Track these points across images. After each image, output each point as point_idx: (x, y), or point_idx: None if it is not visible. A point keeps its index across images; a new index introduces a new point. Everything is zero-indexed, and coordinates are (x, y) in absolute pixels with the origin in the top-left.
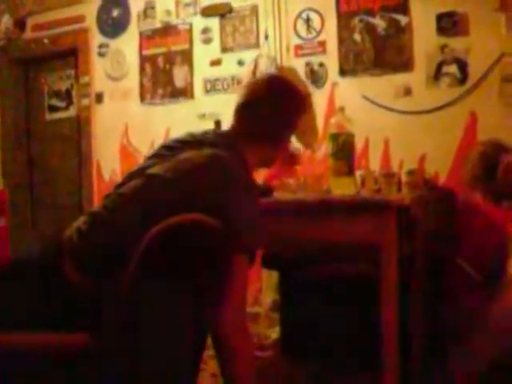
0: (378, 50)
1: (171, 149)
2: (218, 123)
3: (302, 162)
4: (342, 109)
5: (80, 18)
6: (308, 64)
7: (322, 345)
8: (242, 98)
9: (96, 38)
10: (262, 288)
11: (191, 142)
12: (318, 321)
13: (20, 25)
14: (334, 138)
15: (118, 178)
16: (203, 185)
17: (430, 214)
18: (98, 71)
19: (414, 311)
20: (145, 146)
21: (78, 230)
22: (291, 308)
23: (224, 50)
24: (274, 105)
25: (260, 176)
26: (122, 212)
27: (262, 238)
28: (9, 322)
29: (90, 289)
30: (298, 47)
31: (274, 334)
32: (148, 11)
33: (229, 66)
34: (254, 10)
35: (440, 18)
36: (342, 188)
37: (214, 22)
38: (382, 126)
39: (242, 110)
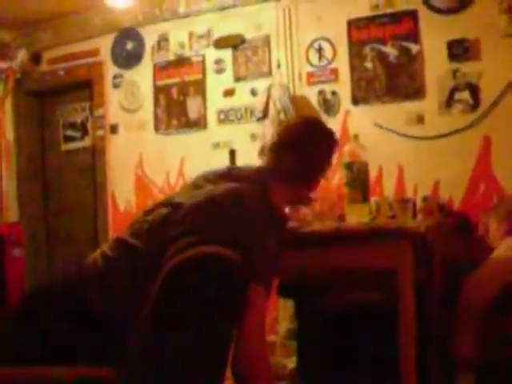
0: (390, 78)
1: (207, 180)
2: (232, 152)
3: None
4: (355, 137)
5: (95, 52)
6: (321, 92)
7: (339, 375)
8: (279, 138)
9: (110, 70)
10: (278, 317)
11: (225, 175)
12: (335, 349)
13: (35, 58)
14: (349, 166)
15: (134, 209)
16: (221, 217)
17: (446, 241)
18: (113, 103)
19: (431, 337)
20: (160, 176)
21: (102, 255)
22: (307, 337)
23: (237, 79)
24: (309, 147)
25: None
26: (144, 239)
27: (278, 269)
28: (31, 354)
29: (114, 317)
30: (310, 75)
31: (291, 363)
32: (162, 44)
33: (242, 96)
34: (267, 40)
35: (451, 44)
36: (357, 215)
37: (226, 54)
38: (395, 153)
39: (279, 150)
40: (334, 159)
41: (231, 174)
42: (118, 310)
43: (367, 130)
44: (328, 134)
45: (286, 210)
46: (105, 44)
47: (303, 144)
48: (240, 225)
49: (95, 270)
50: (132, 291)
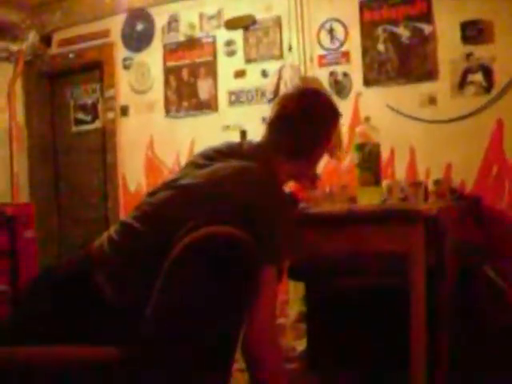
0: (402, 60)
1: (207, 158)
2: (243, 133)
3: (317, 186)
4: (367, 119)
5: (105, 33)
6: (332, 74)
7: (348, 357)
8: (276, 112)
9: (121, 52)
10: (289, 300)
11: (227, 152)
12: (345, 332)
13: (46, 40)
14: (360, 148)
15: (144, 190)
16: (231, 197)
17: (457, 224)
18: (123, 84)
19: (442, 320)
20: (170, 158)
21: (109, 239)
22: (318, 320)
23: (248, 60)
24: (308, 120)
25: (286, 187)
26: (151, 222)
27: (291, 251)
28: (39, 335)
29: (120, 300)
30: (321, 57)
31: (300, 346)
32: (172, 25)
33: (253, 78)
34: (278, 21)
35: (464, 26)
36: (369, 198)
37: (237, 35)
38: (407, 136)
39: (276, 125)
40: (340, 136)
41: (232, 151)
42: (128, 293)
43: (379, 112)
44: (326, 105)
45: (291, 185)
46: (115, 25)
47: (300, 117)
48: (252, 204)
49: (102, 254)
50: (140, 275)
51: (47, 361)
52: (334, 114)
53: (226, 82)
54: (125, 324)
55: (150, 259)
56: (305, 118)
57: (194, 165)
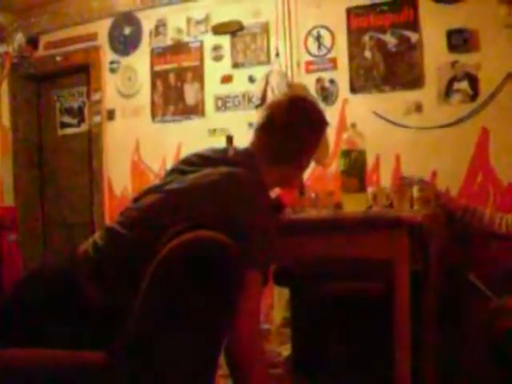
0: (389, 67)
1: (192, 164)
2: (229, 138)
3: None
4: (353, 125)
5: (92, 36)
6: (319, 80)
7: (333, 362)
8: (264, 119)
9: (108, 55)
10: (274, 305)
11: (212, 158)
12: (329, 338)
13: (33, 43)
14: (346, 154)
15: (130, 195)
16: (218, 201)
17: (442, 230)
18: (110, 88)
19: (427, 326)
20: (156, 162)
21: (94, 244)
22: (302, 325)
23: (235, 65)
24: (296, 127)
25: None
26: (137, 227)
27: (274, 255)
28: (24, 337)
29: (104, 303)
30: (308, 63)
31: (286, 351)
32: (159, 29)
33: (240, 83)
34: (265, 27)
35: (450, 34)
36: (354, 204)
37: (225, 40)
38: (393, 143)
39: (264, 131)
40: (327, 143)
41: (218, 156)
42: (113, 299)
43: (365, 119)
44: (314, 113)
45: (277, 191)
46: (102, 28)
47: (288, 124)
48: (237, 210)
49: (87, 260)
50: (126, 280)
51: (32, 364)
52: (321, 122)
53: (213, 87)
54: (108, 327)
55: (135, 263)
56: (293, 125)
57: (178, 170)
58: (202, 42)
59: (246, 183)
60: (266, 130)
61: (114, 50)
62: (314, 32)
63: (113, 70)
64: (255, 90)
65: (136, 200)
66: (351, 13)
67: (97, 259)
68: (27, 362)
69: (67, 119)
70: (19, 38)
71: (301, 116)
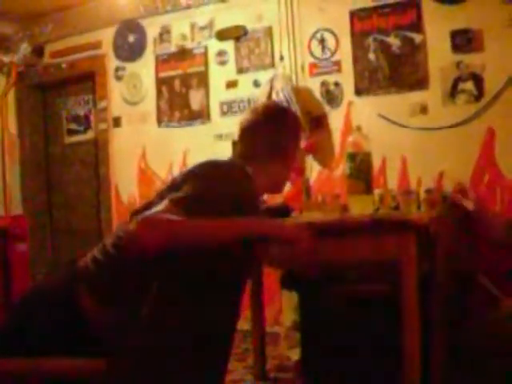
0: (393, 69)
1: (182, 174)
2: (235, 144)
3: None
4: (358, 128)
5: (97, 44)
6: (323, 84)
7: (342, 365)
8: (241, 124)
9: (113, 63)
10: (283, 308)
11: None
12: (339, 341)
13: (38, 52)
14: (352, 157)
15: (137, 201)
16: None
17: (449, 233)
18: (116, 95)
19: (436, 330)
20: (163, 168)
21: (93, 259)
22: (311, 329)
23: (239, 70)
24: (268, 127)
25: (280, 196)
26: None
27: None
28: (25, 350)
29: (105, 317)
30: (313, 66)
31: (295, 355)
32: (164, 36)
33: (244, 88)
34: (269, 31)
35: (454, 35)
36: (361, 207)
37: (229, 45)
38: (399, 144)
39: (242, 135)
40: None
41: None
42: (112, 313)
43: (370, 121)
44: (285, 114)
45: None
46: (107, 36)
47: (260, 125)
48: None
49: (87, 274)
50: (126, 293)
51: (35, 373)
52: (283, 117)
53: (218, 92)
54: (106, 337)
55: (134, 276)
56: (263, 126)
57: (171, 184)
58: (206, 48)
59: (227, 165)
60: (244, 134)
61: (119, 57)
62: (318, 35)
63: (118, 78)
64: (260, 94)
65: (136, 213)
66: (355, 15)
67: (97, 274)
68: (31, 371)
69: (74, 127)
70: (24, 48)
71: (271, 118)
